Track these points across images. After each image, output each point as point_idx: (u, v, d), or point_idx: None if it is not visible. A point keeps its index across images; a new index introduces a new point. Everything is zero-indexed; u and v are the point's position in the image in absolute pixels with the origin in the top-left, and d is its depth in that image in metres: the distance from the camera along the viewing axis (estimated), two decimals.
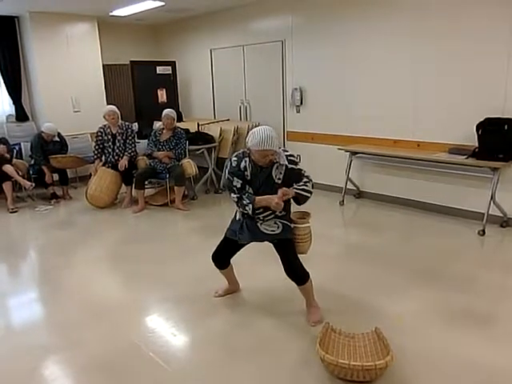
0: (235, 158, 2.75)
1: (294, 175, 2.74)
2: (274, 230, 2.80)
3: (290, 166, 2.71)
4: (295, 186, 2.72)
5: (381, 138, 5.32)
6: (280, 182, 2.73)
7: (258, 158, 2.64)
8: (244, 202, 2.72)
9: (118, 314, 3.08)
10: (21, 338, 2.85)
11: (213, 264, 3.05)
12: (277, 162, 2.69)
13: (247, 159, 2.71)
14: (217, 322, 2.92)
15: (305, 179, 2.76)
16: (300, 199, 2.77)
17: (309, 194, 2.77)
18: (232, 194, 2.78)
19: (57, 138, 6.06)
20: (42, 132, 5.93)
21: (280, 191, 2.65)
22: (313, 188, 2.78)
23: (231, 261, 3.08)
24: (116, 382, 2.38)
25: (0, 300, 3.37)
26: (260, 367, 2.44)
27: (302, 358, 2.50)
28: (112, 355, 2.59)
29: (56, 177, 6.05)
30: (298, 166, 2.76)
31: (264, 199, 2.71)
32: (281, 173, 2.71)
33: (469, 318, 2.87)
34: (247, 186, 2.74)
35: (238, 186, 2.73)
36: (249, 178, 2.73)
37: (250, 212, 2.72)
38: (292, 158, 2.74)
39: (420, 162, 4.82)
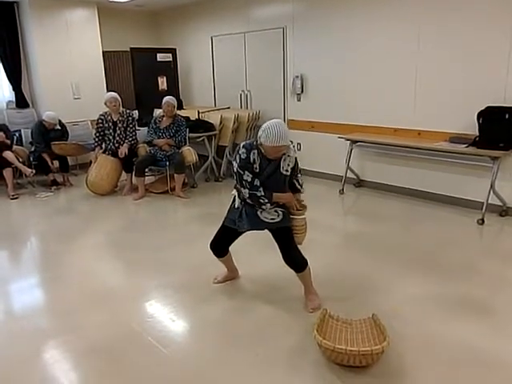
0: (244, 150, 2.65)
1: (296, 165, 2.80)
2: (274, 219, 2.79)
3: (295, 156, 2.77)
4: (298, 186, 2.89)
5: (381, 127, 5.31)
6: (288, 173, 2.73)
7: (270, 152, 2.60)
8: (261, 200, 2.69)
9: (117, 299, 3.10)
10: (21, 322, 2.87)
11: (211, 252, 3.07)
12: (285, 154, 2.69)
13: (255, 151, 2.64)
14: (215, 308, 2.94)
15: (299, 171, 2.89)
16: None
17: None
18: (243, 189, 2.71)
19: (58, 127, 6.05)
20: (44, 120, 5.93)
21: (294, 196, 2.82)
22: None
23: (230, 249, 3.09)
24: (115, 365, 2.41)
25: (1, 286, 3.40)
26: (258, 352, 2.46)
27: (300, 343, 2.52)
28: (111, 340, 2.62)
29: (56, 164, 6.06)
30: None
31: (282, 198, 2.76)
32: (288, 164, 2.71)
33: (467, 306, 2.89)
34: (256, 180, 2.67)
35: (249, 179, 2.66)
36: (257, 170, 2.67)
37: (267, 209, 2.75)
38: (295, 148, 2.80)
39: (420, 151, 4.81)
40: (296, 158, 2.78)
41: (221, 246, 3.04)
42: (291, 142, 2.75)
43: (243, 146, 2.69)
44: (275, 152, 2.60)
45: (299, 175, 2.87)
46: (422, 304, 2.92)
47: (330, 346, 2.23)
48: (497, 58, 4.28)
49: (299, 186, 2.89)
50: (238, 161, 2.67)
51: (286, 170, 2.73)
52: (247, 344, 2.55)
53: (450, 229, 4.25)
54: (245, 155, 2.65)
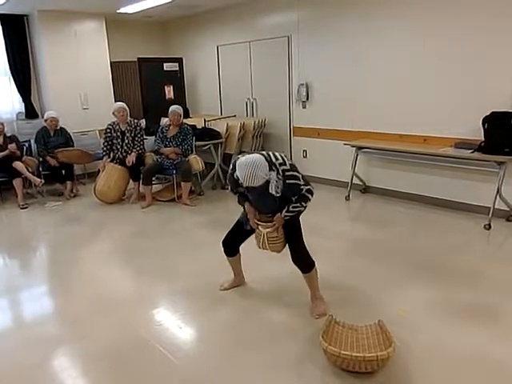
0: (231, 166, 2.71)
1: (291, 189, 2.66)
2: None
3: (288, 181, 2.62)
4: (285, 213, 2.72)
5: (387, 133, 5.32)
6: (279, 195, 2.66)
7: None
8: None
9: (125, 306, 3.13)
10: (31, 329, 2.92)
11: (221, 253, 3.11)
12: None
13: None
14: (222, 315, 2.97)
15: (299, 198, 2.70)
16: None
17: (301, 210, 2.78)
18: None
19: (60, 125, 6.13)
20: (46, 120, 6.05)
21: (273, 223, 2.76)
22: (312, 195, 2.73)
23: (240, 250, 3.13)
24: (123, 372, 2.43)
25: (12, 293, 3.46)
26: (264, 358, 2.48)
27: (306, 349, 2.53)
28: (119, 347, 2.65)
29: (62, 173, 6.12)
30: (295, 181, 2.64)
31: (249, 212, 2.85)
32: (278, 187, 2.61)
33: (473, 312, 2.88)
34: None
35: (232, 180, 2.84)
36: (244, 185, 2.62)
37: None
38: (290, 173, 2.62)
39: (426, 157, 4.81)
40: (288, 182, 2.62)
41: (232, 242, 3.08)
42: (284, 163, 2.62)
43: (234, 162, 2.65)
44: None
45: (296, 198, 2.70)
46: (429, 310, 2.92)
47: (336, 351, 2.24)
48: (502, 64, 4.29)
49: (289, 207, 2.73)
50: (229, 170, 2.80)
51: (277, 192, 2.63)
52: (254, 349, 2.56)
53: (457, 234, 4.24)
54: (231, 171, 2.72)
